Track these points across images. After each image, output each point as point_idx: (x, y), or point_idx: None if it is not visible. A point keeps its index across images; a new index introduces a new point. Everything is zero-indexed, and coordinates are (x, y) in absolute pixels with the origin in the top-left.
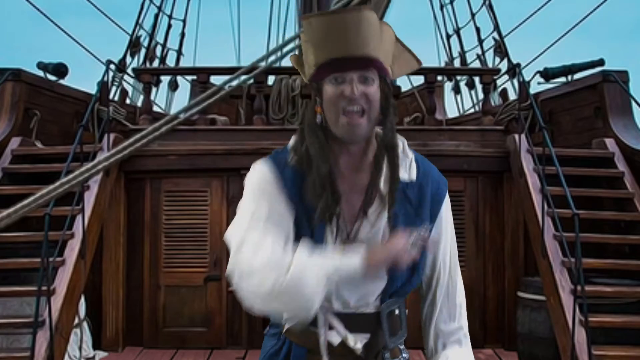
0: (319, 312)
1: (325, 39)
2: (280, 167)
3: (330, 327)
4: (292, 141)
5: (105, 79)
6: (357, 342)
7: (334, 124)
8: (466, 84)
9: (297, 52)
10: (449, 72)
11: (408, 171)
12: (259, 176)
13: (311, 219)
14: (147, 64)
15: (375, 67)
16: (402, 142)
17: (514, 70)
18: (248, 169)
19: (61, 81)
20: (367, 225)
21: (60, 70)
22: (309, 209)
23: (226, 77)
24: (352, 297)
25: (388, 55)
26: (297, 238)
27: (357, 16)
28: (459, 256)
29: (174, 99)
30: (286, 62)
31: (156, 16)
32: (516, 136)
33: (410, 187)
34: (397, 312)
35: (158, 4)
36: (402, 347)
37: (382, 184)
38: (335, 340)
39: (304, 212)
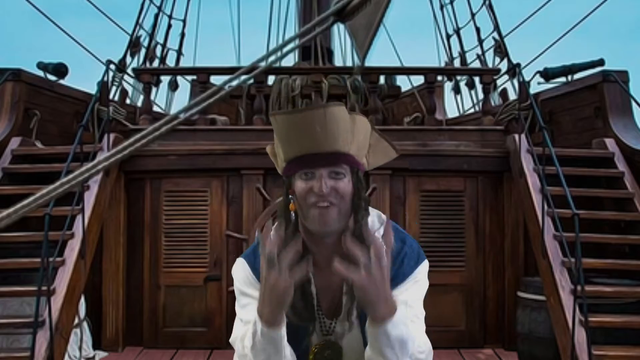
0: None
1: (291, 136)
2: (254, 266)
3: None
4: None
5: (105, 79)
6: None
7: (306, 218)
8: (466, 84)
9: (273, 144)
10: (449, 72)
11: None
12: (237, 278)
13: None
14: (147, 64)
15: (346, 161)
16: (379, 224)
17: (514, 70)
18: (248, 169)
19: (61, 81)
20: (343, 320)
21: (60, 70)
22: None
23: (226, 77)
24: None
25: (361, 147)
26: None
27: (322, 113)
28: (459, 256)
29: (174, 99)
30: (286, 62)
31: (156, 16)
32: (516, 136)
33: None
34: None
35: (158, 4)
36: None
37: (352, 290)
38: None
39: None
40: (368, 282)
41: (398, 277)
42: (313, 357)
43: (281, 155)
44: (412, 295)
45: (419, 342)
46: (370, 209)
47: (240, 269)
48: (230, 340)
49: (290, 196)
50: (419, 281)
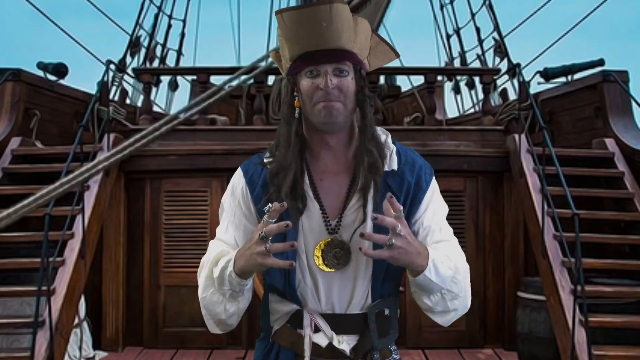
0: (304, 313)
1: (297, 33)
2: (249, 173)
3: (317, 329)
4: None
5: (105, 79)
6: (344, 343)
7: (312, 113)
8: (466, 84)
9: (277, 46)
10: (449, 72)
11: (389, 161)
12: (232, 183)
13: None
14: (147, 64)
15: (349, 59)
16: (385, 135)
17: (514, 70)
18: None
19: (61, 81)
20: (350, 218)
21: (60, 70)
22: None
23: (226, 77)
24: (338, 299)
25: (363, 48)
26: (280, 234)
27: (328, 9)
28: None
29: (174, 99)
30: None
31: (156, 16)
32: (516, 136)
33: (392, 176)
34: (386, 312)
35: (158, 4)
36: (393, 347)
37: (364, 177)
38: (322, 342)
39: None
40: (399, 255)
41: (418, 193)
42: (320, 252)
43: (286, 55)
44: (436, 215)
45: (456, 266)
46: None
47: (236, 179)
48: (203, 259)
49: (295, 93)
50: (436, 194)
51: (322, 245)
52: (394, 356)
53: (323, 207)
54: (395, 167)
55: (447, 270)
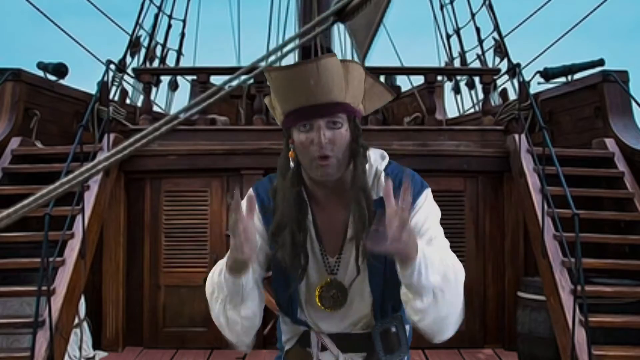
0: (311, 333)
1: (287, 91)
2: (261, 199)
3: (324, 348)
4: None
5: (105, 79)
6: None
7: (309, 168)
8: (466, 84)
9: (270, 95)
10: (449, 72)
11: (376, 189)
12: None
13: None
14: (147, 64)
15: (342, 110)
16: (381, 160)
17: (514, 70)
18: (248, 169)
19: (61, 81)
20: (348, 256)
21: (60, 70)
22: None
23: (226, 77)
24: (342, 326)
25: (357, 94)
26: (282, 277)
27: (315, 67)
28: (459, 256)
29: (174, 99)
30: (286, 62)
31: (156, 16)
32: (516, 136)
33: (381, 203)
34: (393, 329)
35: (158, 4)
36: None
37: (355, 227)
38: (329, 359)
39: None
40: (400, 247)
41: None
42: (319, 296)
43: (278, 108)
44: (421, 220)
45: (441, 262)
46: (373, 149)
47: (247, 200)
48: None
49: (290, 145)
50: (425, 206)
51: (321, 287)
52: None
53: (322, 246)
54: (382, 194)
55: (437, 263)
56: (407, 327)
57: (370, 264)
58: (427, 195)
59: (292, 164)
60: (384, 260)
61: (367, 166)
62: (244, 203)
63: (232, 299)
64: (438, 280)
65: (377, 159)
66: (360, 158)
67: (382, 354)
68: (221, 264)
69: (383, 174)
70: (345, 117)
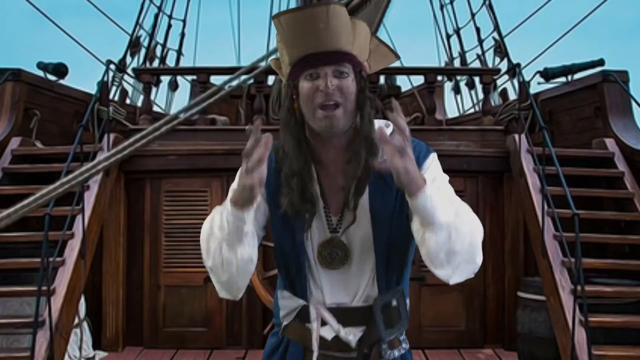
0: (310, 307)
1: (295, 36)
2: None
3: (324, 322)
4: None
5: (105, 79)
6: (350, 335)
7: (312, 119)
8: (466, 84)
9: (277, 55)
10: (449, 72)
11: (382, 152)
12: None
13: (294, 215)
14: (147, 64)
15: (349, 60)
16: (386, 127)
17: (514, 70)
18: None
19: (61, 81)
20: (350, 215)
21: (60, 70)
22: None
23: (226, 77)
24: (343, 294)
25: (363, 50)
26: (287, 230)
27: (325, 11)
28: None
29: (174, 99)
30: None
31: (156, 16)
32: (516, 136)
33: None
34: (394, 303)
35: (158, 4)
36: (403, 337)
37: (360, 175)
38: (329, 334)
39: (284, 207)
40: (407, 163)
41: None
42: (319, 253)
43: (285, 60)
44: (432, 172)
45: (453, 202)
46: (377, 120)
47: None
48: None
49: (294, 97)
50: (432, 167)
51: (322, 245)
52: (404, 345)
53: (325, 207)
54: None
55: (448, 203)
56: (407, 302)
57: (375, 222)
58: (434, 158)
59: (297, 116)
60: (390, 217)
61: (376, 126)
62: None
63: (230, 239)
64: (451, 215)
65: (381, 126)
66: (367, 108)
67: (383, 328)
68: (220, 207)
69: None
70: (351, 68)
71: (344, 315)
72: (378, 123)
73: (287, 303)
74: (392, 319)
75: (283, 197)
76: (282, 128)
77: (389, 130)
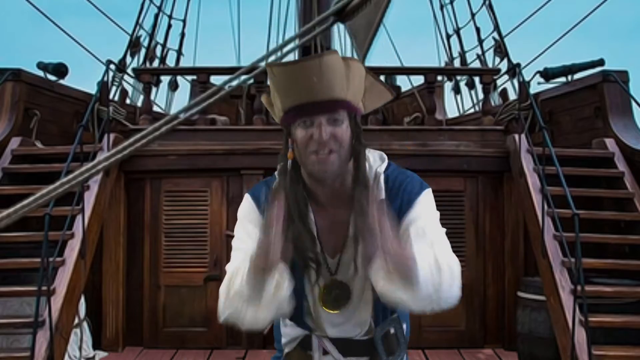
0: (313, 336)
1: (288, 87)
2: (259, 201)
3: (325, 352)
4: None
5: (105, 79)
6: None
7: (306, 165)
8: (466, 84)
9: (267, 93)
10: (449, 72)
11: (375, 192)
12: (241, 210)
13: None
14: (147, 64)
15: (343, 107)
16: (380, 162)
17: (514, 70)
18: (248, 169)
19: (61, 81)
20: (348, 257)
21: (60, 70)
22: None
23: (226, 77)
24: (344, 329)
25: (357, 92)
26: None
27: (318, 65)
28: (459, 256)
29: (174, 99)
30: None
31: (156, 16)
32: (516, 136)
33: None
34: (392, 331)
35: (158, 4)
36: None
37: (356, 228)
38: None
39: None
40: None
41: (403, 204)
42: (322, 297)
43: (278, 105)
44: (418, 214)
45: (431, 258)
46: (372, 150)
47: (245, 204)
48: (227, 267)
49: (290, 145)
50: (421, 204)
51: (323, 288)
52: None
53: (322, 247)
54: (382, 196)
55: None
56: (405, 326)
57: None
58: (427, 194)
59: (289, 165)
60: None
61: (367, 166)
62: (242, 208)
63: (250, 298)
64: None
65: (376, 160)
66: (362, 156)
67: (385, 357)
68: (239, 262)
69: (382, 176)
70: (346, 115)
71: (345, 346)
72: (373, 156)
73: (289, 331)
74: (392, 347)
75: (292, 250)
76: (278, 172)
77: (383, 166)
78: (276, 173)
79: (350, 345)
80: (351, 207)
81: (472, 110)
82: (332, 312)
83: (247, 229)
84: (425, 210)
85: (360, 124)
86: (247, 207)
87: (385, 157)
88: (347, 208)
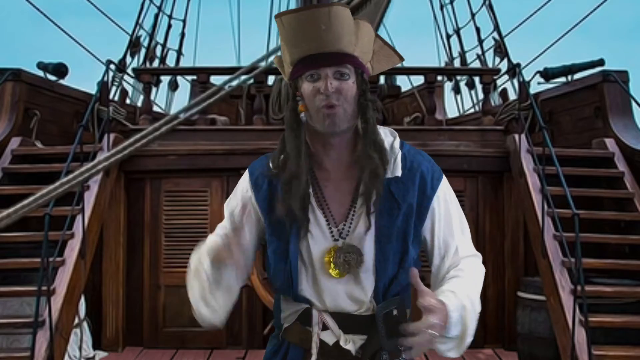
0: (313, 311)
1: (297, 36)
2: (254, 176)
3: (325, 327)
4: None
5: (105, 79)
6: (350, 342)
7: (314, 119)
8: (466, 84)
9: (280, 53)
10: (449, 72)
11: (392, 167)
12: (239, 184)
13: (293, 223)
14: (147, 64)
15: (350, 62)
16: (392, 137)
17: (514, 70)
18: None
19: (61, 81)
20: (354, 224)
21: (60, 70)
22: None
23: (226, 77)
24: (344, 302)
25: (366, 51)
26: (283, 237)
27: (327, 12)
28: None
29: (174, 99)
30: None
31: (156, 16)
32: (516, 136)
33: (395, 183)
34: (394, 312)
35: (158, 4)
36: (403, 347)
37: (367, 182)
38: (330, 340)
39: (283, 216)
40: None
41: (423, 201)
42: (330, 259)
43: (287, 59)
44: (450, 225)
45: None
46: (380, 127)
47: (241, 180)
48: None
49: (297, 98)
50: (446, 199)
51: (332, 251)
52: (404, 356)
53: (327, 215)
54: (399, 173)
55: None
56: (408, 311)
57: (379, 240)
58: (445, 181)
59: (302, 116)
60: (393, 238)
61: (382, 135)
62: (239, 183)
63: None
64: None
65: (387, 134)
66: (369, 112)
67: (385, 338)
68: (207, 242)
69: (400, 154)
70: (352, 70)
71: (346, 321)
72: (383, 130)
73: (288, 306)
74: (395, 329)
75: (280, 203)
76: (286, 130)
77: (397, 141)
78: (285, 126)
79: (350, 321)
80: (361, 171)
81: (472, 110)
82: (341, 276)
83: (231, 205)
84: (449, 198)
85: (368, 82)
86: (240, 183)
87: (396, 132)
88: (353, 177)
